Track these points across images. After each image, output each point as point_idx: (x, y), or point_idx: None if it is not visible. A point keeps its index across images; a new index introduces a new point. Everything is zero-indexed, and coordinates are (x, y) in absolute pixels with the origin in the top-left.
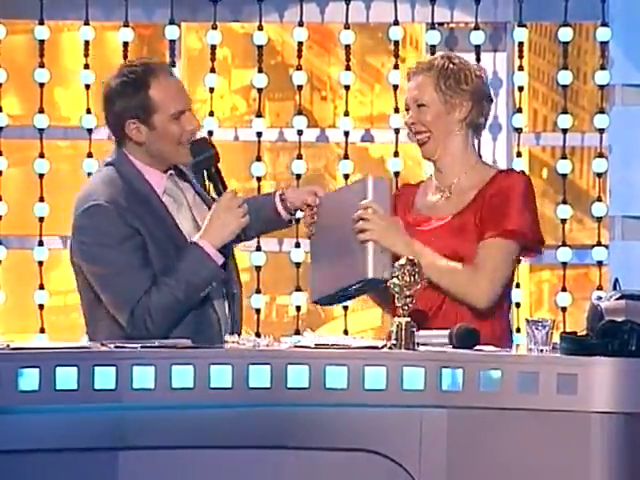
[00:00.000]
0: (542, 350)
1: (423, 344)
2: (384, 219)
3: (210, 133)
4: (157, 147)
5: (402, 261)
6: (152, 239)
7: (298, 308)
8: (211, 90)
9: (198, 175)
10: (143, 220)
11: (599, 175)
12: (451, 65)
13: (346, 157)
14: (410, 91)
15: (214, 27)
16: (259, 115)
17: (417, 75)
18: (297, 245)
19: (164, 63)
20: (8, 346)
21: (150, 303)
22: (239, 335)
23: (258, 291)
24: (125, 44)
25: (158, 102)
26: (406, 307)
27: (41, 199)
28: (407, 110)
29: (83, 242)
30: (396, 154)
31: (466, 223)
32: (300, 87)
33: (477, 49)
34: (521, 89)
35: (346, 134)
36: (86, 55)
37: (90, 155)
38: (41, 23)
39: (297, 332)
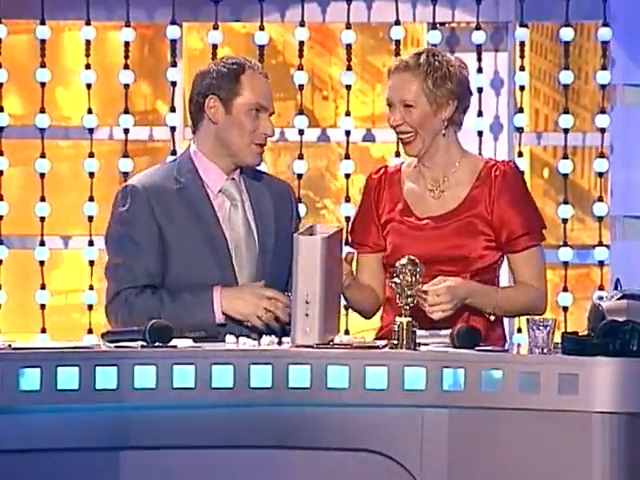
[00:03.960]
0: (543, 350)
1: (424, 344)
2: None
3: None
4: (226, 135)
5: (403, 261)
6: (178, 235)
7: None
8: None
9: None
10: (174, 215)
11: (600, 175)
12: (437, 63)
13: (347, 157)
14: (394, 89)
15: (215, 27)
16: None
17: (402, 73)
18: None
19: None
20: (9, 346)
21: (135, 302)
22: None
23: None
24: (126, 44)
25: (244, 86)
26: (407, 307)
27: (42, 199)
28: (389, 106)
29: (110, 216)
30: (397, 154)
31: (469, 223)
32: (301, 87)
33: (478, 49)
34: (522, 89)
35: (347, 134)
36: (87, 55)
37: (91, 155)
38: (42, 23)
39: None
